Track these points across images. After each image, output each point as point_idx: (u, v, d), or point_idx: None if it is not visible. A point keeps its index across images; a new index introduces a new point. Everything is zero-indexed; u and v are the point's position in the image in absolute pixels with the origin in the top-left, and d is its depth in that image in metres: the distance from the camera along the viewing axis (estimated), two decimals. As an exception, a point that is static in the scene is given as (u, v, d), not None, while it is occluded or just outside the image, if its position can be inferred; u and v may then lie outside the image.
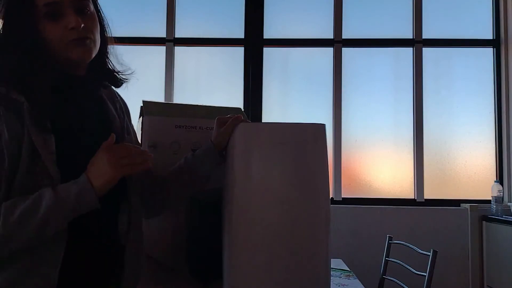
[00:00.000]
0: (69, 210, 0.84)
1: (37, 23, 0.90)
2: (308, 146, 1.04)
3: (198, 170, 1.10)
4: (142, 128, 1.25)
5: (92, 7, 0.97)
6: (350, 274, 2.14)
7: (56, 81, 0.92)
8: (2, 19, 0.92)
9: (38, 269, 0.85)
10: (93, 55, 0.96)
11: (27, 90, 0.87)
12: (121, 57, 1.06)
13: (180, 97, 3.28)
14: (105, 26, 1.03)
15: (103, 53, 1.03)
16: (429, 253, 1.94)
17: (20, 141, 0.84)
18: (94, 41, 0.96)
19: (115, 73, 1.05)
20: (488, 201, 3.00)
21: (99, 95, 1.05)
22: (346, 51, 3.27)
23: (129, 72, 1.07)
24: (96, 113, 1.02)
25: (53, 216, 0.82)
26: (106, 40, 1.03)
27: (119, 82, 1.07)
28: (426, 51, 3.24)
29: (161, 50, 3.29)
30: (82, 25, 0.92)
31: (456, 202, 3.09)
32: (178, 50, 3.34)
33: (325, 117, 3.20)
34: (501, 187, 2.99)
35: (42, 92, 0.88)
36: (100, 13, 1.02)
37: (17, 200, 0.82)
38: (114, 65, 1.05)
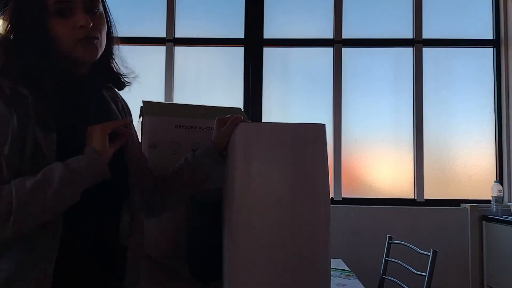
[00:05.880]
0: (82, 180, 0.85)
1: (47, 21, 0.91)
2: (308, 146, 1.04)
3: (198, 170, 1.10)
4: (142, 128, 1.25)
5: (101, 7, 0.97)
6: (350, 274, 2.14)
7: (61, 79, 0.93)
8: (12, 16, 0.92)
9: (33, 267, 0.85)
10: (98, 55, 0.97)
11: (34, 87, 0.88)
12: (126, 60, 1.07)
13: (180, 97, 3.28)
14: (112, 27, 1.03)
15: (108, 54, 1.03)
16: (429, 253, 1.94)
17: (25, 134, 0.85)
18: (101, 41, 0.96)
19: (119, 76, 1.06)
20: (488, 201, 2.99)
21: (102, 94, 1.06)
22: (346, 51, 3.27)
23: (133, 75, 1.08)
24: (99, 111, 1.02)
25: (66, 187, 0.83)
26: (112, 41, 1.04)
27: (122, 85, 1.08)
28: (426, 51, 3.24)
29: (161, 50, 3.29)
30: (91, 24, 0.92)
31: (456, 202, 3.09)
32: (178, 50, 3.34)
33: (325, 117, 3.20)
34: (501, 187, 2.98)
35: (48, 90, 0.89)
36: (108, 14, 1.02)
37: (24, 177, 0.82)
38: (119, 67, 1.06)
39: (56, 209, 0.84)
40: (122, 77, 1.06)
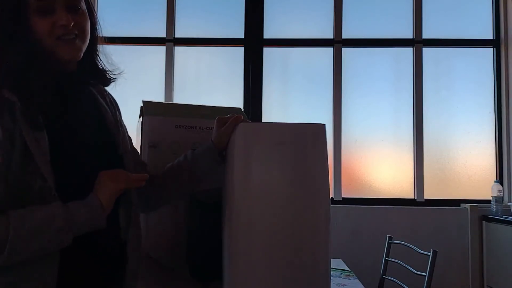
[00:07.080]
0: (78, 231, 0.86)
1: (29, 20, 0.90)
2: (308, 146, 1.04)
3: (197, 168, 1.10)
4: (142, 128, 1.25)
5: (84, 5, 0.97)
6: (350, 274, 2.14)
7: (48, 78, 0.92)
8: None
9: (36, 268, 0.85)
10: (81, 54, 0.97)
11: (21, 89, 0.87)
12: (111, 57, 1.07)
13: (180, 97, 3.28)
14: (96, 25, 1.03)
15: (93, 51, 1.03)
16: (429, 253, 1.94)
17: (13, 141, 0.83)
18: (83, 39, 0.96)
19: (104, 72, 1.06)
20: (488, 201, 3.00)
21: (90, 90, 1.06)
22: (346, 51, 3.28)
23: (118, 72, 1.08)
24: (89, 108, 1.03)
25: (62, 237, 0.84)
26: (96, 39, 1.03)
27: (107, 81, 1.08)
28: (426, 51, 3.24)
29: (161, 50, 3.29)
30: (72, 23, 0.91)
31: (456, 202, 3.09)
32: (178, 50, 3.34)
33: (325, 117, 3.20)
34: (501, 187, 2.99)
35: (36, 90, 0.88)
36: (93, 12, 1.02)
37: (24, 213, 0.82)
38: (104, 64, 1.06)
39: (46, 253, 0.85)
40: (108, 73, 1.06)
